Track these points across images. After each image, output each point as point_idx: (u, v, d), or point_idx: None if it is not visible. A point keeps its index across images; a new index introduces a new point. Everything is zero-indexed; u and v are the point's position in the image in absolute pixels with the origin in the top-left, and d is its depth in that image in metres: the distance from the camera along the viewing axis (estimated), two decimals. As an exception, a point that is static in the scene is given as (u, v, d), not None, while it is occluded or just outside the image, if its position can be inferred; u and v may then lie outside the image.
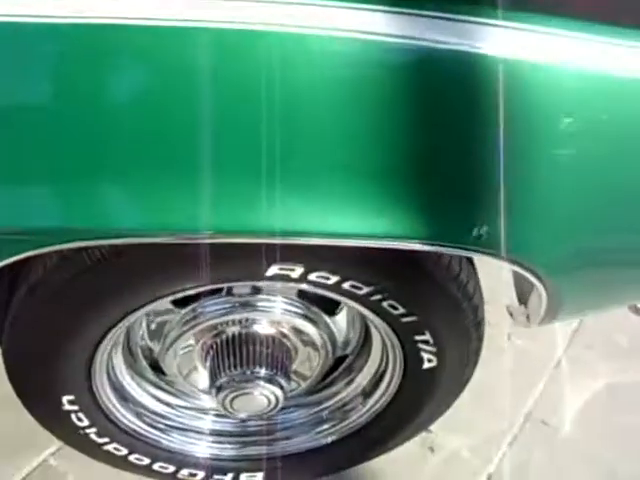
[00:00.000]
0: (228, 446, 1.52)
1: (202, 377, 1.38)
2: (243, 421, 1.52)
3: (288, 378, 1.31)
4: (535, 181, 0.98)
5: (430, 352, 1.26)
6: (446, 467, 1.69)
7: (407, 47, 0.86)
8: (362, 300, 1.16)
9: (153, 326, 1.34)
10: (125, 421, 1.39)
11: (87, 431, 1.36)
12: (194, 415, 1.51)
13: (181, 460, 1.49)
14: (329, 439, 1.49)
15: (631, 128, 0.95)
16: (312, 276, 1.10)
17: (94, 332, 1.17)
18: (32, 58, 0.84)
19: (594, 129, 0.94)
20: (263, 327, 1.30)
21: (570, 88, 0.91)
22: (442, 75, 0.90)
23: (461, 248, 1.01)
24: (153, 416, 1.45)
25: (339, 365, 1.48)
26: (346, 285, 1.12)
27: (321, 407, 1.50)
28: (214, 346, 1.30)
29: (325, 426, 1.49)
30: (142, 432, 1.43)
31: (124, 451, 1.43)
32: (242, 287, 1.26)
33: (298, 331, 1.32)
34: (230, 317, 1.28)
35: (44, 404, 1.31)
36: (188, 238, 0.96)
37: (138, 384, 1.42)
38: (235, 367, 1.27)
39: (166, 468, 1.49)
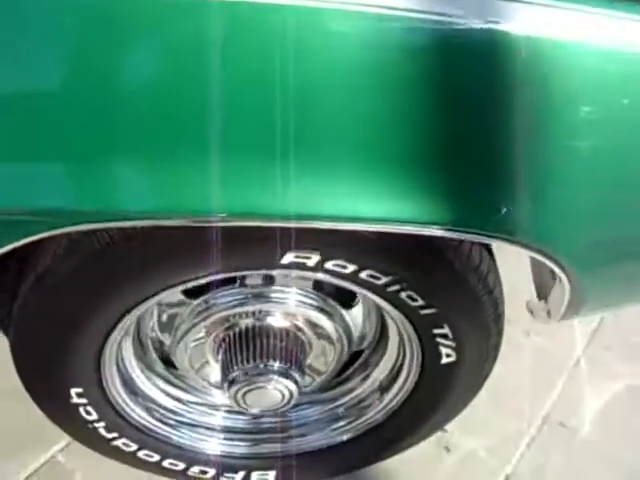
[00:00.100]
0: (240, 443, 1.48)
1: (214, 371, 1.35)
2: (255, 418, 1.48)
3: (302, 372, 1.27)
4: (558, 165, 0.95)
5: (449, 347, 1.22)
6: (462, 467, 1.65)
7: (428, 23, 0.83)
8: (380, 291, 1.13)
9: (164, 318, 1.31)
10: (134, 416, 1.36)
11: (96, 425, 1.33)
12: (205, 411, 1.47)
13: (192, 457, 1.46)
14: (344, 437, 1.45)
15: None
16: (329, 264, 1.07)
17: (103, 322, 1.14)
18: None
19: (616, 113, 0.91)
20: (277, 320, 1.26)
21: (592, 68, 0.88)
22: (463, 52, 0.86)
23: (485, 235, 0.98)
24: (163, 411, 1.41)
25: (355, 361, 1.44)
26: (363, 274, 1.09)
27: (337, 404, 1.46)
28: (226, 339, 1.27)
29: (340, 423, 1.45)
30: (152, 428, 1.40)
31: (133, 447, 1.40)
32: (256, 277, 1.22)
33: (313, 324, 1.28)
34: (243, 309, 1.24)
35: (52, 397, 1.28)
36: (200, 221, 0.93)
37: (148, 378, 1.38)
38: (248, 360, 1.24)
39: (176, 465, 1.45)
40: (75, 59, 0.84)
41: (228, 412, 1.48)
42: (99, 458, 1.45)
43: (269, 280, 1.23)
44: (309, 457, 1.48)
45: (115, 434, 1.36)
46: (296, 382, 1.25)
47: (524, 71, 0.87)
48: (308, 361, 1.33)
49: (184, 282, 1.10)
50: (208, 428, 1.47)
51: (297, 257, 1.05)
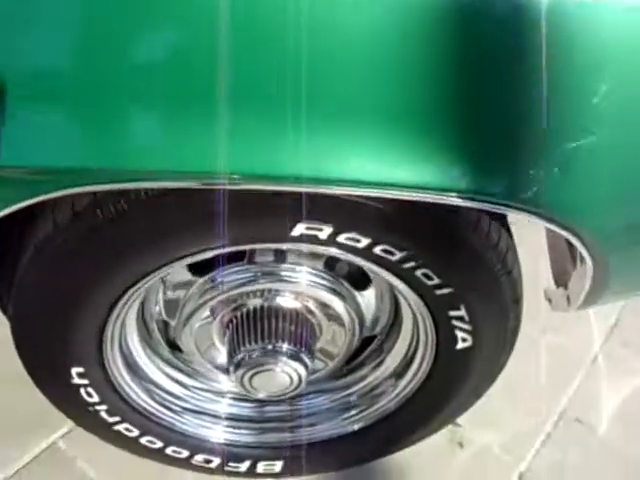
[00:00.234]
0: (245, 432, 1.43)
1: (220, 354, 1.30)
2: (261, 406, 1.43)
3: (312, 355, 1.22)
4: (586, 133, 0.89)
5: (465, 330, 1.17)
6: (475, 463, 1.60)
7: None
8: (394, 268, 1.08)
9: (170, 298, 1.26)
10: (137, 399, 1.31)
11: (97, 408, 1.28)
12: (210, 398, 1.42)
13: (196, 445, 1.41)
14: (355, 426, 1.40)
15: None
16: (341, 237, 1.02)
17: (105, 296, 1.09)
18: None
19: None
20: (287, 300, 1.21)
21: (620, 27, 0.83)
22: (487, 13, 0.82)
23: (509, 206, 0.92)
24: (166, 396, 1.37)
25: (367, 347, 1.39)
26: (377, 249, 1.04)
27: (348, 392, 1.41)
28: (234, 319, 1.22)
29: (352, 412, 1.40)
30: (155, 413, 1.35)
31: (135, 432, 1.35)
32: (265, 254, 1.17)
33: (324, 305, 1.23)
34: (252, 287, 1.19)
35: (53, 377, 1.23)
36: (208, 183, 0.88)
37: (152, 360, 1.34)
38: (256, 341, 1.19)
39: (179, 453, 1.41)
40: (89, 20, 0.80)
41: (233, 399, 1.43)
42: (100, 445, 1.41)
43: (279, 257, 1.18)
44: (318, 447, 1.43)
45: (117, 418, 1.32)
46: (305, 365, 1.21)
47: (550, 33, 0.82)
48: (319, 345, 1.28)
49: (189, 255, 1.05)
50: (213, 415, 1.41)
51: (308, 229, 1.00)
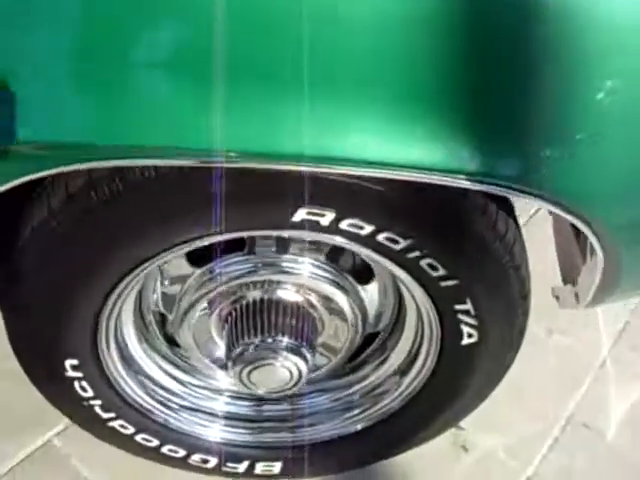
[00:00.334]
0: (243, 431, 1.39)
1: (218, 349, 1.27)
2: (260, 405, 1.39)
3: (313, 350, 1.18)
4: (595, 115, 0.86)
5: (471, 325, 1.14)
6: (479, 468, 1.55)
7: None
8: (398, 257, 1.04)
9: (167, 289, 1.23)
10: (132, 395, 1.28)
11: (92, 403, 1.25)
12: (207, 395, 1.38)
13: (192, 444, 1.37)
14: (357, 426, 1.36)
15: None
16: (344, 224, 0.98)
17: (101, 284, 1.06)
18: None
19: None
20: (288, 293, 1.18)
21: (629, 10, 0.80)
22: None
23: (519, 190, 0.89)
24: (163, 392, 1.33)
25: (369, 345, 1.35)
26: (381, 237, 1.01)
27: (351, 390, 1.37)
28: (233, 312, 1.19)
29: (354, 412, 1.36)
30: (151, 409, 1.31)
31: (131, 429, 1.31)
32: (266, 244, 1.14)
33: (326, 299, 1.20)
34: (252, 278, 1.16)
35: (46, 369, 1.19)
36: (207, 161, 0.85)
37: (148, 355, 1.30)
38: (255, 334, 1.16)
39: (176, 452, 1.37)
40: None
41: (231, 397, 1.39)
42: (95, 444, 1.37)
43: (280, 247, 1.15)
44: (319, 448, 1.39)
45: (112, 414, 1.28)
46: (306, 360, 1.17)
47: (560, 15, 0.79)
48: (321, 340, 1.24)
49: (187, 242, 1.02)
50: (210, 413, 1.38)
51: (310, 214, 0.97)
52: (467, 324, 1.13)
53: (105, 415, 1.28)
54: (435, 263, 1.05)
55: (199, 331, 1.24)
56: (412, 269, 1.06)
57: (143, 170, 0.92)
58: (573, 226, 1.18)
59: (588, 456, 1.59)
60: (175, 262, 1.17)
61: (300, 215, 0.97)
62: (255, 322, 1.16)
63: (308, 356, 1.17)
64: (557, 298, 1.32)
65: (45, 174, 0.88)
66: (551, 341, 1.78)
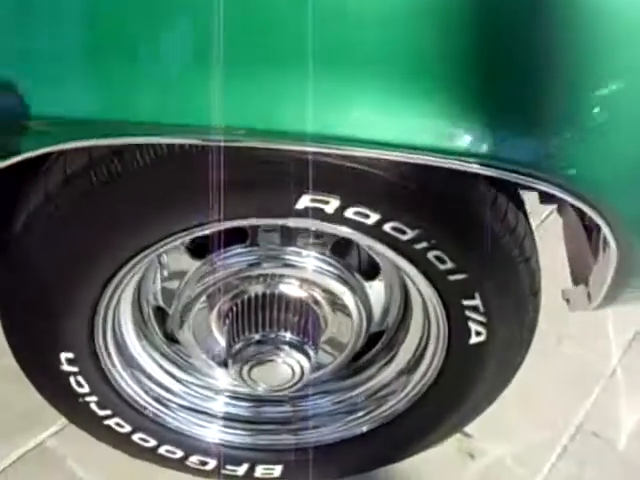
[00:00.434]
0: (243, 433, 1.35)
1: (218, 345, 1.23)
2: (259, 406, 1.35)
3: (316, 346, 1.15)
4: (609, 104, 0.83)
5: (479, 322, 1.10)
6: (486, 476, 1.51)
7: None
8: (405, 249, 1.01)
9: (167, 282, 1.20)
10: (129, 392, 1.24)
11: (87, 400, 1.21)
12: (206, 395, 1.35)
13: (190, 445, 1.33)
14: (362, 429, 1.31)
15: None
16: (349, 212, 0.95)
17: (98, 272, 1.03)
18: None
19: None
20: (291, 288, 1.15)
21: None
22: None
23: (532, 176, 0.85)
24: (160, 390, 1.29)
25: (374, 345, 1.31)
26: (387, 227, 0.97)
27: (356, 392, 1.33)
28: (234, 307, 1.15)
29: (359, 414, 1.32)
30: (148, 408, 1.27)
31: (127, 428, 1.28)
32: (269, 235, 1.11)
33: (330, 294, 1.16)
34: (254, 272, 1.12)
35: (40, 362, 1.16)
36: (207, 139, 0.82)
37: (146, 351, 1.27)
38: (256, 330, 1.12)
39: (174, 453, 1.33)
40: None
41: (231, 397, 1.35)
42: (91, 445, 1.34)
43: (283, 239, 1.11)
44: (321, 452, 1.34)
45: (108, 412, 1.24)
46: (309, 357, 1.13)
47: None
48: (325, 337, 1.21)
49: (187, 230, 0.98)
50: (209, 414, 1.34)
51: (314, 201, 0.94)
52: (475, 321, 1.10)
53: (101, 412, 1.24)
54: (443, 255, 1.01)
55: (199, 326, 1.21)
56: (419, 261, 1.03)
57: (142, 152, 0.89)
58: (584, 225, 1.16)
59: (598, 465, 1.54)
60: (175, 253, 1.14)
61: (304, 202, 0.94)
62: (257, 317, 1.13)
63: (311, 353, 1.14)
64: (568, 301, 1.28)
65: (45, 151, 0.86)
66: (560, 349, 1.74)
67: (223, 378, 1.34)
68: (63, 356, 1.14)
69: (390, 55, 0.77)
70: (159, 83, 0.79)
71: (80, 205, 0.95)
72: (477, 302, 1.07)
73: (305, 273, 1.13)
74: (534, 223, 1.10)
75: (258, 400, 1.35)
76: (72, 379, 1.17)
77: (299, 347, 1.13)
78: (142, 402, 1.26)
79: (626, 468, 1.55)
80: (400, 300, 1.24)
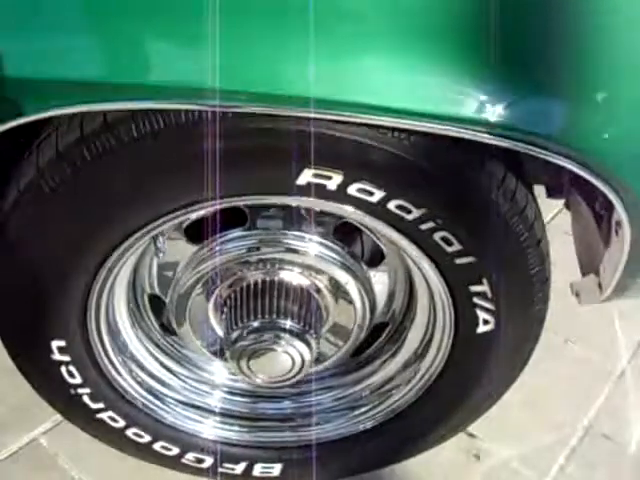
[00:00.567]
0: (241, 430, 1.30)
1: (215, 334, 1.19)
2: (258, 401, 1.31)
3: (317, 335, 1.10)
4: (628, 78, 0.80)
5: (487, 310, 1.06)
6: (492, 477, 1.46)
7: None
8: (410, 230, 0.97)
9: (163, 268, 1.16)
10: (123, 384, 1.20)
11: (79, 392, 1.17)
12: (202, 390, 1.30)
13: (186, 442, 1.28)
14: (365, 426, 1.27)
15: None
16: (352, 189, 0.91)
17: (90, 254, 0.99)
18: None
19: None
20: (292, 274, 1.10)
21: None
22: None
23: (547, 149, 0.82)
24: (155, 384, 1.25)
25: (378, 337, 1.27)
26: (392, 205, 0.93)
27: (359, 387, 1.29)
28: (232, 294, 1.11)
29: (362, 410, 1.27)
30: (143, 401, 1.23)
31: (121, 423, 1.23)
32: (269, 217, 1.07)
33: (332, 281, 1.12)
34: (253, 256, 1.08)
35: (31, 350, 1.12)
36: (203, 104, 0.78)
37: (141, 342, 1.23)
38: (255, 316, 1.08)
39: (169, 449, 1.28)
40: None
41: (228, 393, 1.30)
42: (83, 442, 1.31)
43: (284, 222, 1.07)
44: (323, 449, 1.29)
45: (101, 405, 1.20)
46: (309, 346, 1.09)
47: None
48: (326, 327, 1.16)
49: (182, 208, 0.94)
50: (206, 409, 1.29)
51: (316, 176, 0.90)
52: (483, 308, 1.06)
53: (94, 405, 1.20)
54: (450, 236, 0.97)
55: (196, 315, 1.16)
56: (425, 243, 0.99)
57: (137, 125, 0.85)
58: (594, 213, 1.12)
59: (607, 466, 1.49)
60: (172, 239, 1.10)
61: (305, 177, 0.90)
62: (256, 304, 1.09)
63: (312, 342, 1.09)
64: (577, 295, 1.25)
65: (43, 115, 0.83)
66: (568, 351, 1.70)
67: (220, 372, 1.29)
68: (54, 344, 1.09)
69: (395, 14, 0.74)
70: (160, 47, 0.77)
71: (72, 180, 0.91)
72: (485, 288, 1.03)
73: (307, 259, 1.09)
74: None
75: (256, 395, 1.30)
76: (63, 369, 1.13)
77: (300, 335, 1.08)
78: (136, 395, 1.21)
79: (636, 470, 1.50)
80: (405, 289, 1.20)
